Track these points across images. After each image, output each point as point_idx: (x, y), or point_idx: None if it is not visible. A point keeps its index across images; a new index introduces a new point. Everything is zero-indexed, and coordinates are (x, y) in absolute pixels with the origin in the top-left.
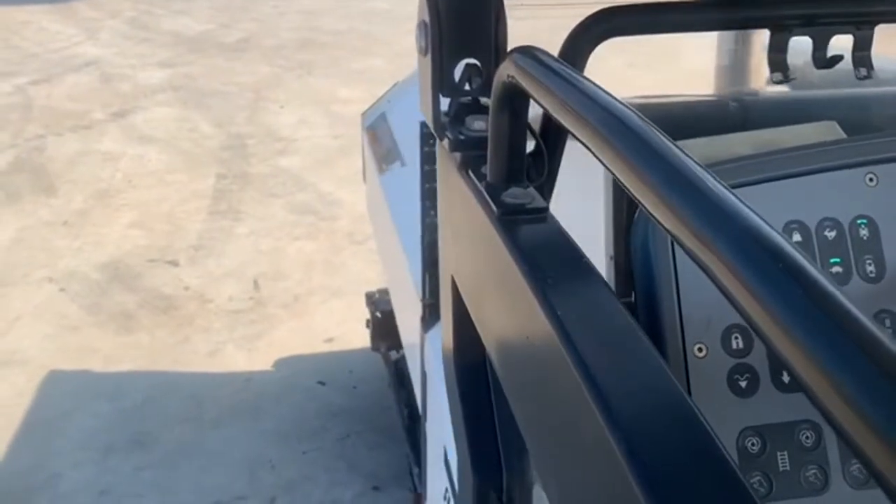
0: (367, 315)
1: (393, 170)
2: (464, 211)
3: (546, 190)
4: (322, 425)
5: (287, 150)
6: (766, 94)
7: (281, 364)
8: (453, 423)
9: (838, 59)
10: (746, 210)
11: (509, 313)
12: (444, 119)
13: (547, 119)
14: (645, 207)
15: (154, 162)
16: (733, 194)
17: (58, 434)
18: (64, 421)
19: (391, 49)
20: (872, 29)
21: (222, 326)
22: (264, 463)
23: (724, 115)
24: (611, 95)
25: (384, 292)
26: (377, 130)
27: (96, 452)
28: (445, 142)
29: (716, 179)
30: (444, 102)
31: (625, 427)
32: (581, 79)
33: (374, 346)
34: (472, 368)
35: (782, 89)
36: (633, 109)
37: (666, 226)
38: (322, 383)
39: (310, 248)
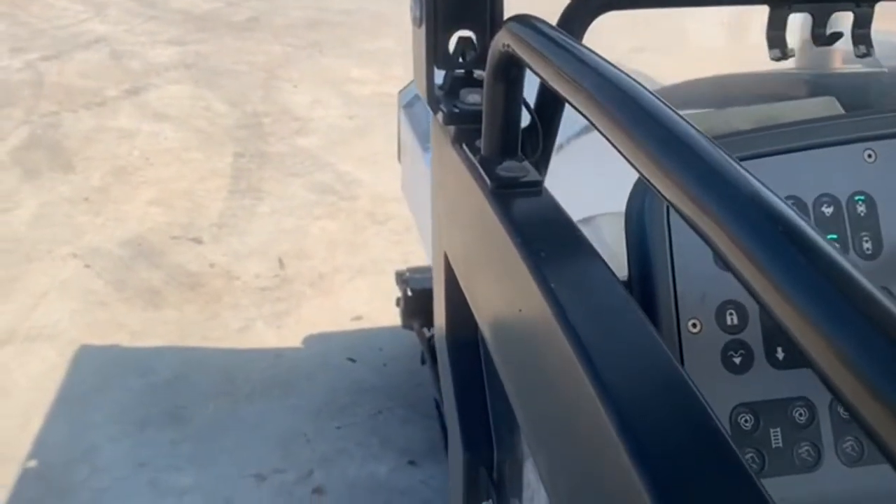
0: (398, 293)
1: None
2: (457, 185)
3: (541, 165)
4: (354, 401)
5: (303, 129)
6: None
7: (310, 341)
8: (445, 399)
9: (838, 36)
10: (745, 175)
11: (502, 288)
12: (439, 92)
13: (542, 93)
14: (643, 175)
15: (170, 140)
16: (731, 160)
17: (92, 408)
18: (97, 395)
19: (401, 29)
20: (872, 6)
21: (250, 303)
22: (299, 437)
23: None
24: (609, 63)
25: (414, 271)
26: (416, 109)
27: (132, 426)
28: (439, 115)
29: (713, 145)
30: (439, 76)
31: (619, 401)
32: (578, 47)
33: (406, 324)
34: (464, 346)
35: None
36: (631, 77)
37: (663, 192)
38: (352, 360)
39: (332, 227)
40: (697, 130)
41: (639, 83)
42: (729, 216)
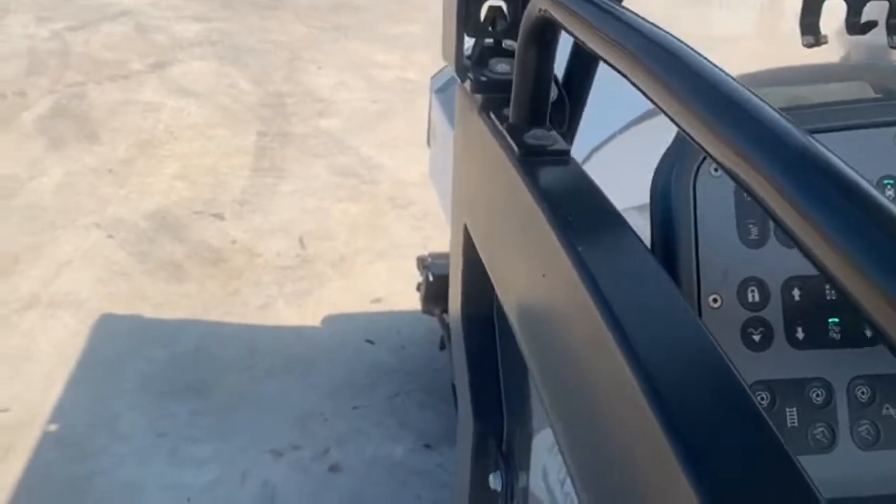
0: (417, 278)
1: None
2: (483, 154)
3: (569, 136)
4: (372, 382)
5: (326, 111)
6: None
7: (330, 321)
8: (457, 371)
9: (873, 24)
10: (796, 130)
11: (527, 255)
12: (467, 61)
13: (572, 66)
14: (689, 135)
15: (194, 115)
16: (783, 116)
17: (114, 376)
18: (119, 364)
19: (427, 15)
20: None
21: (271, 281)
22: (317, 415)
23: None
24: (649, 22)
25: (436, 256)
26: (448, 93)
27: (153, 396)
28: (467, 84)
29: (764, 102)
30: (467, 46)
31: (649, 368)
32: (619, 8)
33: (426, 310)
34: (479, 318)
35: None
36: (673, 35)
37: (711, 151)
38: (371, 342)
39: (353, 209)
40: (744, 87)
41: (680, 41)
42: (781, 172)
